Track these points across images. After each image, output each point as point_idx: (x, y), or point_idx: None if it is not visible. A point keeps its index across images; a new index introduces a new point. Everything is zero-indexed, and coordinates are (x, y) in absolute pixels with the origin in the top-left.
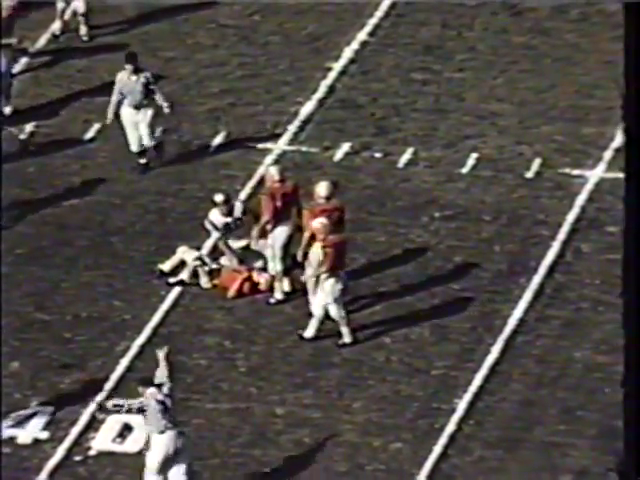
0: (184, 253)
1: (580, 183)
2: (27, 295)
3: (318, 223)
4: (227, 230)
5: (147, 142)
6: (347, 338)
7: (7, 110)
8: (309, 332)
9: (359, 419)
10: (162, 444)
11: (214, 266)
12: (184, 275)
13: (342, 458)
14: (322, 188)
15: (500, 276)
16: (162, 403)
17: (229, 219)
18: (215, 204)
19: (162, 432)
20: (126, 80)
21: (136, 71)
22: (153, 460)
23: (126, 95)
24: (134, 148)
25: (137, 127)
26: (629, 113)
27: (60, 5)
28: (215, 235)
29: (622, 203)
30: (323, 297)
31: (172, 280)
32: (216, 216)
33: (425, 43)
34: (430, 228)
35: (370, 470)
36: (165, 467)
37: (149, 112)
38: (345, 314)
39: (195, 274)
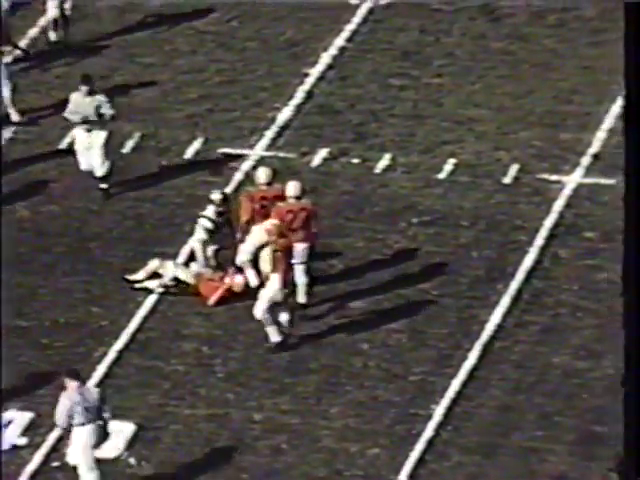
0: (158, 268)
1: (558, 189)
2: (5, 301)
3: (269, 224)
4: (218, 229)
5: (98, 173)
6: (275, 337)
7: (15, 117)
8: (274, 337)
9: (337, 425)
10: (84, 436)
11: (191, 281)
12: (153, 284)
13: (320, 464)
14: (290, 188)
15: (478, 282)
16: (82, 395)
17: (222, 218)
18: (211, 202)
19: (82, 425)
20: (80, 101)
21: (90, 93)
22: (81, 455)
23: (79, 116)
24: (82, 167)
25: (89, 150)
26: (630, 113)
27: (52, 13)
28: (202, 235)
29: (600, 209)
30: (264, 296)
31: (138, 286)
32: (211, 214)
33: (403, 49)
34: (408, 234)
35: (348, 476)
36: (93, 459)
37: (102, 135)
38: (270, 316)
39: (166, 288)
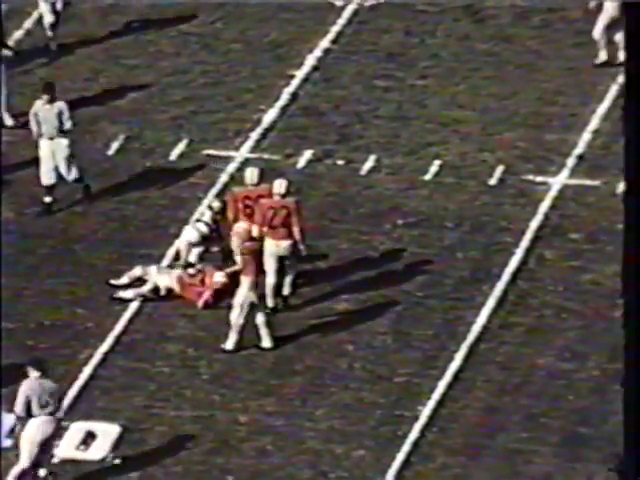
0: (143, 275)
1: (543, 190)
2: None
3: (239, 228)
4: (211, 234)
5: (70, 178)
6: (229, 345)
7: (9, 122)
8: (228, 344)
9: (322, 426)
10: (34, 428)
11: (174, 286)
12: (130, 294)
13: (305, 465)
14: (275, 185)
15: (463, 283)
16: (41, 386)
17: (216, 225)
18: (210, 209)
19: (36, 416)
20: (41, 108)
21: (51, 101)
22: (24, 445)
23: (41, 124)
24: (44, 181)
25: (52, 158)
26: (629, 117)
27: (48, 18)
28: (193, 238)
29: (585, 210)
30: (235, 302)
31: (116, 295)
32: (208, 219)
33: (388, 50)
34: (393, 235)
35: (333, 477)
36: (38, 452)
37: (64, 143)
38: (242, 324)
39: (144, 297)
